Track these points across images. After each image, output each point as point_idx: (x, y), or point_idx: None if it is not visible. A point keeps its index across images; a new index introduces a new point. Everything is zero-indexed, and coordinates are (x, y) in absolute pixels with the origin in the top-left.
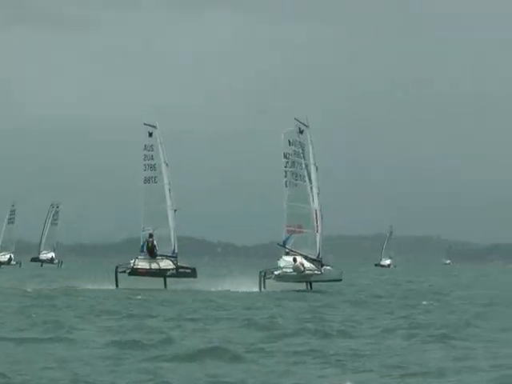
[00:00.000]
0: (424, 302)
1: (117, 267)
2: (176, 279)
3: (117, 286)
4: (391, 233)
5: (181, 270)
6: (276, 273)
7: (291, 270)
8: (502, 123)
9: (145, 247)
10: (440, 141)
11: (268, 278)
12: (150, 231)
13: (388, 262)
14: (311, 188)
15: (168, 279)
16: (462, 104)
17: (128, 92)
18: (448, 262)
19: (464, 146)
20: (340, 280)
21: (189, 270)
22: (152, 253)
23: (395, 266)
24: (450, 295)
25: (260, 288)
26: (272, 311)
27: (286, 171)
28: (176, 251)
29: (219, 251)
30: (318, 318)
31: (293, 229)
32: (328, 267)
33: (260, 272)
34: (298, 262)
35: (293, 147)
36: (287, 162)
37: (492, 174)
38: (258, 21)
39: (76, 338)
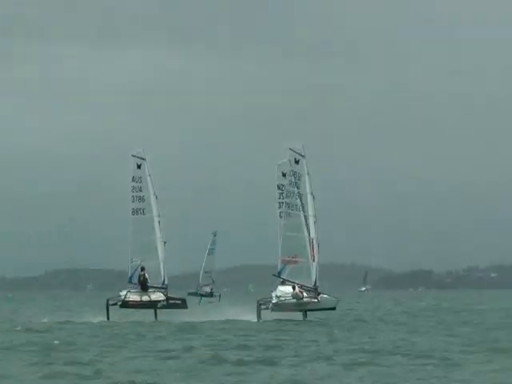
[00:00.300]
0: None
1: (108, 300)
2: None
3: (108, 318)
4: None
5: (171, 302)
6: (273, 301)
7: (290, 298)
8: None
9: (134, 279)
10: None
11: (264, 309)
12: (137, 261)
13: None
14: (305, 217)
15: (159, 310)
16: None
17: None
18: (363, 289)
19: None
20: (334, 308)
21: (179, 301)
22: (144, 286)
23: None
24: None
25: (258, 318)
26: None
27: (280, 202)
28: (166, 282)
29: None
30: None
31: (288, 259)
32: (325, 295)
33: (258, 301)
34: (297, 290)
35: (287, 177)
36: (281, 194)
37: None
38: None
39: None
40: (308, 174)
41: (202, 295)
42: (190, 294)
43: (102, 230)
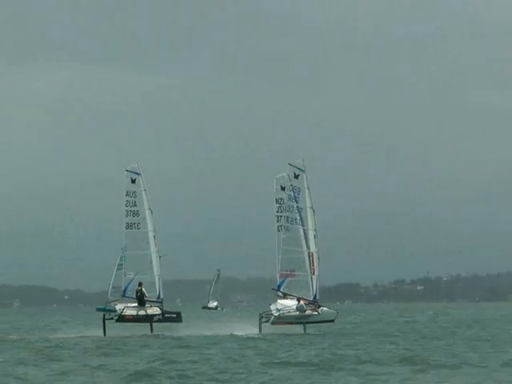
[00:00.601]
0: None
1: (104, 315)
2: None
3: (104, 334)
4: (218, 275)
5: (166, 315)
6: (275, 314)
7: (291, 311)
8: None
9: (128, 292)
10: None
11: (264, 322)
12: (131, 275)
13: (215, 304)
14: (304, 231)
15: (154, 324)
16: None
17: None
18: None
19: None
20: (333, 321)
21: (174, 315)
22: (141, 301)
23: (222, 309)
24: None
25: (260, 330)
26: None
27: (278, 216)
28: (161, 296)
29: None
30: None
31: (286, 273)
32: (325, 308)
33: (260, 314)
34: (302, 302)
35: (286, 191)
36: (279, 207)
37: None
38: None
39: None
40: (308, 188)
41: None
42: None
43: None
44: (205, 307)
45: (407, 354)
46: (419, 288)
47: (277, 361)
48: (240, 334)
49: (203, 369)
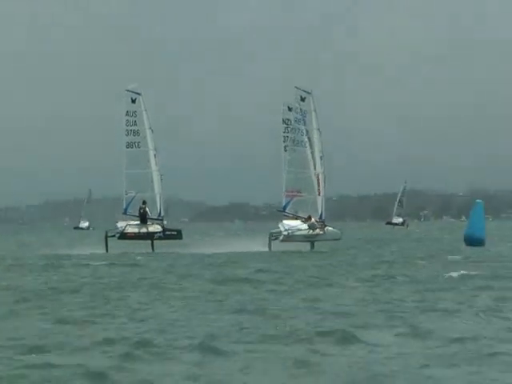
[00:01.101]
0: None
1: (106, 232)
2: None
3: (107, 250)
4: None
5: (167, 233)
6: (284, 233)
7: (305, 228)
8: None
9: (129, 210)
10: None
11: (274, 239)
12: (132, 193)
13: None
14: (312, 153)
15: (155, 242)
16: None
17: None
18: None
19: None
20: (340, 239)
21: (175, 232)
22: (144, 219)
23: None
24: None
25: (269, 248)
26: None
27: (284, 137)
28: (162, 214)
29: None
30: None
31: (292, 193)
32: (330, 228)
33: (270, 233)
34: (313, 220)
35: (293, 113)
36: (286, 128)
37: None
38: None
39: None
40: (314, 110)
41: None
42: None
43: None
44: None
45: None
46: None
47: None
48: (253, 250)
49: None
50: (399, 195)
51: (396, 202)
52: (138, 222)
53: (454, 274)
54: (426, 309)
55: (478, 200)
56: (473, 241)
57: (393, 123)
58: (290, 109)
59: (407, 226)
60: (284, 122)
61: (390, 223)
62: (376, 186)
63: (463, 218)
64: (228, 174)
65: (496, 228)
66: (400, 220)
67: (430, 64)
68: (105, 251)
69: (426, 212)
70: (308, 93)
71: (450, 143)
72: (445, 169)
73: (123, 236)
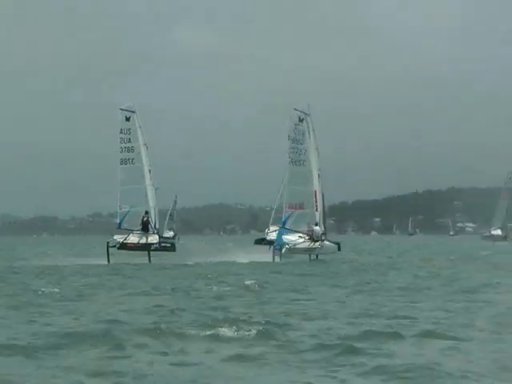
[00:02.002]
0: None
1: (108, 242)
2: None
3: (108, 261)
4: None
5: (162, 245)
6: (287, 247)
7: (300, 243)
8: None
9: (124, 225)
10: None
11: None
12: (126, 208)
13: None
14: (310, 171)
15: (152, 253)
16: None
17: None
18: None
19: None
20: (335, 252)
21: (169, 245)
22: (146, 227)
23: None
24: None
25: (273, 259)
26: None
27: (289, 153)
28: (157, 227)
29: None
30: None
31: (295, 206)
32: (327, 242)
33: (273, 246)
34: (318, 228)
35: (293, 135)
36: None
37: None
38: None
39: None
40: (313, 130)
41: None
42: None
43: None
44: None
45: None
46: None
47: None
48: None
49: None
50: (170, 209)
51: (167, 216)
52: (140, 231)
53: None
54: None
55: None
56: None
57: None
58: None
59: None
60: (289, 138)
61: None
62: None
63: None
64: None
65: None
66: (171, 234)
67: None
68: (107, 262)
69: (231, 226)
70: (306, 114)
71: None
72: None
73: (123, 246)
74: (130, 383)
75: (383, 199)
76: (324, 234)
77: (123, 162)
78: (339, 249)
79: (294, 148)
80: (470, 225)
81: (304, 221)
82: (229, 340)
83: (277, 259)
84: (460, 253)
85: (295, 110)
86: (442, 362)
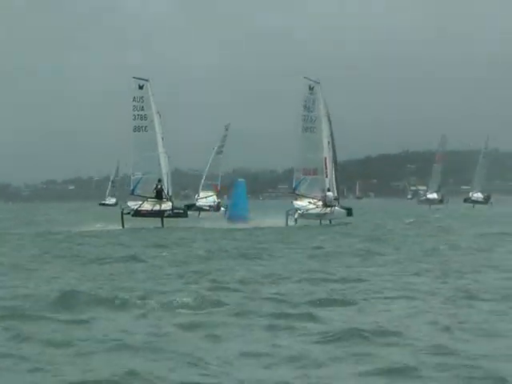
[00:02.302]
0: None
1: (122, 209)
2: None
3: (123, 226)
4: None
5: (175, 211)
6: (299, 212)
7: (311, 209)
8: None
9: (137, 191)
10: None
11: (290, 215)
12: (139, 175)
13: None
14: (321, 138)
15: (165, 219)
16: None
17: None
18: None
19: None
20: (345, 217)
21: (182, 211)
22: (159, 194)
23: None
24: None
25: (286, 223)
26: None
27: (302, 120)
28: (170, 194)
29: None
30: None
31: (309, 172)
32: (337, 208)
33: (286, 211)
34: (331, 194)
35: (303, 103)
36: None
37: None
38: None
39: None
40: (322, 98)
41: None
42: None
43: None
44: None
45: None
46: (71, 188)
47: None
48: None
49: None
50: (112, 176)
51: (110, 183)
52: (155, 199)
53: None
54: None
55: (239, 179)
56: (236, 219)
57: None
58: (311, 88)
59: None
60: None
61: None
62: None
63: (225, 197)
64: None
65: (259, 207)
66: (113, 201)
67: None
68: (121, 227)
69: (186, 191)
70: (317, 82)
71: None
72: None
73: (137, 213)
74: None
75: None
76: (337, 199)
77: (136, 129)
78: (351, 214)
79: (305, 116)
80: (423, 188)
81: (318, 186)
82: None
83: (291, 223)
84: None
85: (305, 78)
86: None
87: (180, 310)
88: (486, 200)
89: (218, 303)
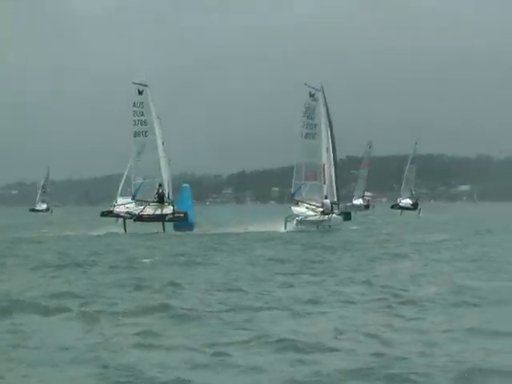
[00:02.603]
0: None
1: (124, 217)
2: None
3: (125, 230)
4: None
5: (176, 215)
6: (298, 219)
7: (310, 216)
8: None
9: (138, 196)
10: None
11: (289, 222)
12: (140, 180)
13: None
14: (320, 145)
15: (167, 224)
16: None
17: None
18: None
19: None
20: (348, 220)
21: (182, 215)
22: (162, 199)
23: None
24: None
25: (285, 227)
26: None
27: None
28: (171, 198)
29: None
30: None
31: (310, 178)
32: (334, 215)
33: (285, 217)
34: (328, 201)
35: (304, 110)
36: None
37: None
38: None
39: None
40: (324, 105)
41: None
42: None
43: None
44: None
45: None
46: (14, 192)
47: None
48: (269, 230)
49: None
50: (43, 182)
51: (40, 189)
52: (156, 204)
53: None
54: None
55: (184, 184)
56: (182, 225)
57: None
58: (311, 95)
59: (51, 211)
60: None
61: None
62: None
63: None
64: None
65: (204, 212)
66: (44, 206)
67: None
68: (123, 231)
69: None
70: (317, 90)
71: None
72: None
73: (139, 218)
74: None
75: (279, 168)
76: (336, 204)
77: (136, 134)
78: (349, 218)
79: (305, 122)
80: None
81: (317, 192)
82: None
83: (289, 228)
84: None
85: (306, 85)
86: None
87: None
88: (415, 206)
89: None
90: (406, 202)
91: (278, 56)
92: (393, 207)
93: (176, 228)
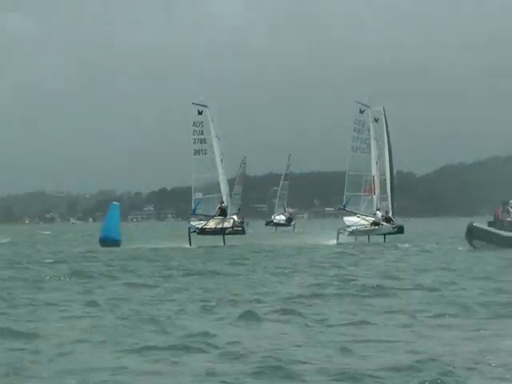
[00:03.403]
0: None
1: (189, 228)
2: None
3: (190, 244)
4: None
5: (235, 228)
6: (350, 230)
7: (361, 227)
8: None
9: (197, 211)
10: None
11: (341, 233)
12: (200, 196)
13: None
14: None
15: (226, 237)
16: None
17: None
18: None
19: None
20: (400, 232)
21: (240, 228)
22: (224, 213)
23: None
24: None
25: (337, 240)
26: None
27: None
28: (233, 212)
29: None
30: None
31: (368, 190)
32: (385, 224)
33: (338, 229)
34: (380, 214)
35: (354, 125)
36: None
37: None
38: None
39: None
40: (374, 121)
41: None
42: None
43: None
44: None
45: None
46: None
47: None
48: (323, 243)
49: None
50: None
51: None
52: (219, 218)
53: None
54: None
55: (114, 202)
56: (108, 242)
57: None
58: (361, 111)
59: None
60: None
61: None
62: None
63: (90, 219)
64: None
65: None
66: None
67: None
68: (189, 245)
69: (51, 214)
70: (367, 106)
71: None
72: (73, 171)
73: (202, 231)
74: None
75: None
76: (391, 220)
77: (196, 152)
78: (402, 231)
79: (355, 137)
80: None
81: (371, 205)
82: None
83: (341, 240)
84: None
85: (357, 102)
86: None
87: None
88: (289, 222)
89: None
90: (280, 218)
91: None
92: (267, 224)
93: (102, 243)
